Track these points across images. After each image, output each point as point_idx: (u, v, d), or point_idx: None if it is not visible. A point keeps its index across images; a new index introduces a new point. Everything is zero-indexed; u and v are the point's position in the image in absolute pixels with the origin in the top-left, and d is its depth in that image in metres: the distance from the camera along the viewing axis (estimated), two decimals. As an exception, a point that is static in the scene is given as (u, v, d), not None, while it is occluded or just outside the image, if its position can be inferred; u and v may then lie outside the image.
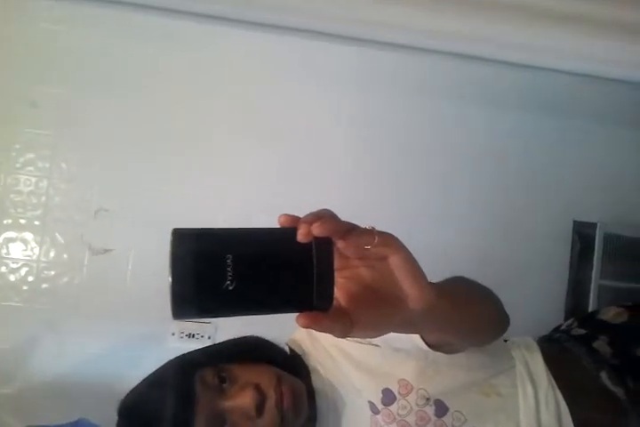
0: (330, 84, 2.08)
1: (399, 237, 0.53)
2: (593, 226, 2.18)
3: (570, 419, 0.95)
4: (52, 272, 1.91)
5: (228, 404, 0.87)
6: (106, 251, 1.91)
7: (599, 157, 2.27)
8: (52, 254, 1.93)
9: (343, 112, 2.11)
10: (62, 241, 1.92)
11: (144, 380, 0.96)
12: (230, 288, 0.46)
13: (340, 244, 0.49)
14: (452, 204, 2.15)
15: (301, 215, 0.50)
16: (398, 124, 2.14)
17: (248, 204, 1.99)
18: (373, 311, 0.53)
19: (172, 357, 0.98)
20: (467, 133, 2.19)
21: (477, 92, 2.19)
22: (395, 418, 0.94)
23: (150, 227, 1.90)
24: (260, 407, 0.86)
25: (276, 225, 0.50)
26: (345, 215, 0.50)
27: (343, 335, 0.52)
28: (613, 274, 2.16)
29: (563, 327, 1.15)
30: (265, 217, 1.88)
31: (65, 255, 1.92)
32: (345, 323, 0.52)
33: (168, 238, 0.46)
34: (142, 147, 1.99)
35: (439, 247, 1.85)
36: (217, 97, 2.02)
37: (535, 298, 2.03)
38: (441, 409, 0.95)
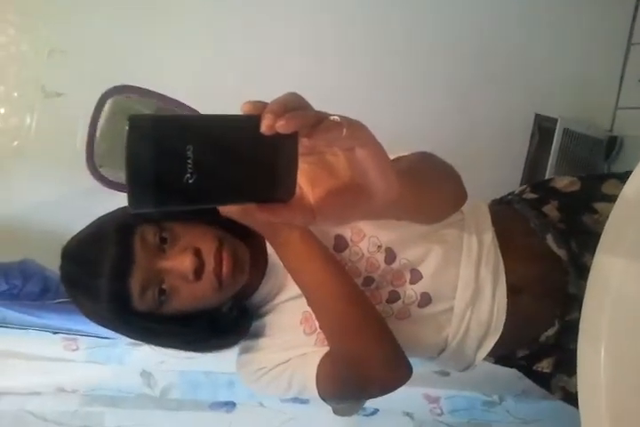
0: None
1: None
2: (554, 121, 2.19)
3: (504, 278, 1.00)
4: (1, 110, 1.82)
5: (167, 264, 0.86)
6: (59, 95, 1.81)
7: (571, 54, 2.24)
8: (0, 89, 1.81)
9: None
10: (12, 77, 1.80)
11: (87, 227, 0.94)
12: (190, 181, 0.44)
13: (306, 141, 0.47)
14: (411, 87, 2.11)
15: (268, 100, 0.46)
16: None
17: (216, 65, 1.90)
18: (337, 201, 0.51)
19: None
20: (426, 19, 2.11)
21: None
22: (346, 264, 0.96)
23: (110, 78, 1.81)
24: (198, 272, 0.86)
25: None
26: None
27: (304, 225, 0.50)
28: (566, 169, 2.20)
29: (516, 192, 1.17)
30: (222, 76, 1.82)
31: (15, 93, 1.81)
32: (306, 213, 0.51)
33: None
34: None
35: (399, 131, 1.83)
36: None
37: (489, 184, 2.06)
38: (390, 257, 0.98)
